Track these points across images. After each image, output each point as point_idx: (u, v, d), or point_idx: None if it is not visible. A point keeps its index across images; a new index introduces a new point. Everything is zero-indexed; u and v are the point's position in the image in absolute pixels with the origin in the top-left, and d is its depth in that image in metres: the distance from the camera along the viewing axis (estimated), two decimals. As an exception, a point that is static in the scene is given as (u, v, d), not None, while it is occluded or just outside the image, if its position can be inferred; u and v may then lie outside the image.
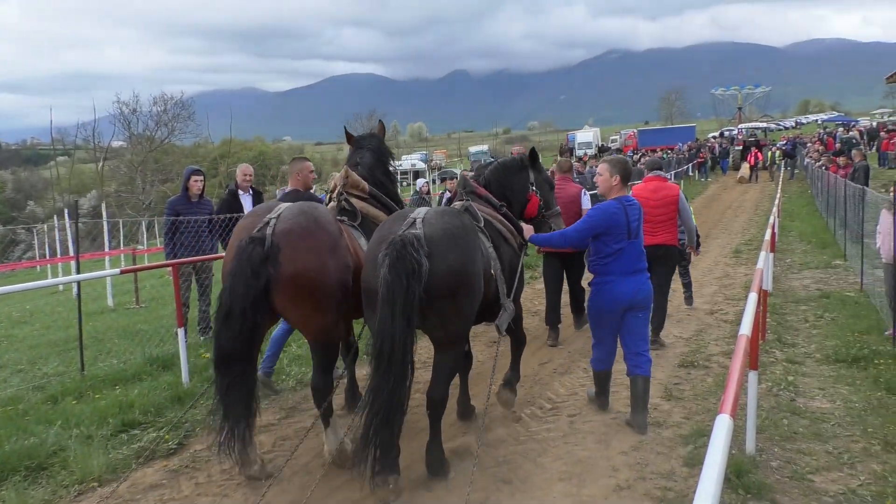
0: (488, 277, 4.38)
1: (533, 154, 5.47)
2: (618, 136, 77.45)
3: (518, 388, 5.45)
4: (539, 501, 4.01)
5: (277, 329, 5.99)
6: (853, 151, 17.67)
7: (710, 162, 38.19)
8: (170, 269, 6.95)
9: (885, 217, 7.16)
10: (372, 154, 5.36)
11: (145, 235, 24.62)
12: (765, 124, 56.09)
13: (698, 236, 7.79)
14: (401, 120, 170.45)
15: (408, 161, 71.99)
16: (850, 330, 7.31)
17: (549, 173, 5.90)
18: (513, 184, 5.26)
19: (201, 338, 7.96)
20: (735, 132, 51.35)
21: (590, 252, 5.12)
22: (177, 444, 5.06)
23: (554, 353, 7.15)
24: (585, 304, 6.43)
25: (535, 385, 6.11)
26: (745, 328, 3.62)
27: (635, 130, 77.04)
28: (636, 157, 34.42)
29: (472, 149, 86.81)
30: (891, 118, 59.54)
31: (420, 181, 15.38)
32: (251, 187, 8.81)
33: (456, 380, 4.93)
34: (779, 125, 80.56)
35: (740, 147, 40.93)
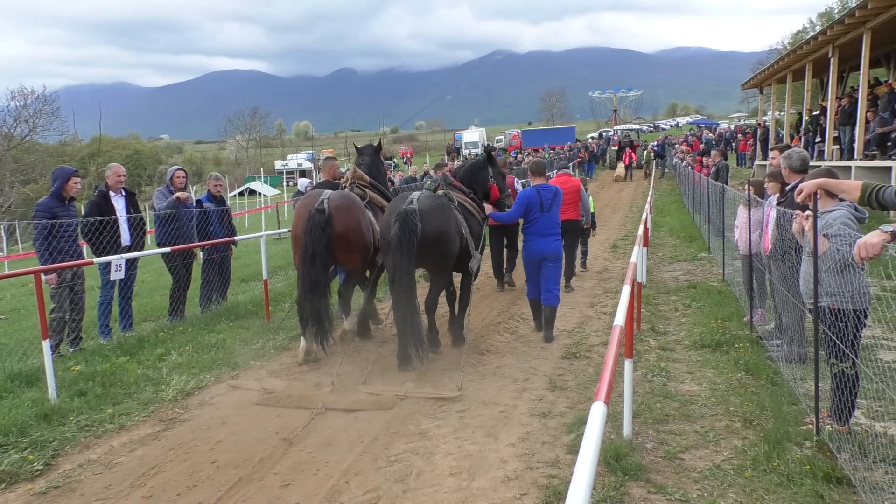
0: (460, 236, 6.71)
1: (490, 156, 7.81)
2: (503, 136, 79.39)
3: (405, 384, 6.11)
4: (430, 498, 4.05)
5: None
6: (713, 151, 19.03)
7: (587, 161, 39.88)
8: (50, 275, 6.39)
9: (742, 212, 7.77)
10: (369, 158, 8.04)
11: (5, 241, 22.63)
12: (638, 126, 59.46)
13: (593, 216, 11.47)
14: (286, 118, 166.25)
15: (294, 160, 70.32)
16: (713, 317, 7.89)
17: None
18: (478, 178, 7.59)
19: (70, 349, 7.43)
20: (611, 133, 54.07)
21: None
22: (43, 465, 4.69)
23: (445, 349, 7.24)
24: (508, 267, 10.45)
25: (425, 382, 6.16)
26: (620, 319, 3.83)
27: (519, 130, 79.29)
28: (521, 156, 35.47)
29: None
30: (747, 122, 64.65)
31: (303, 181, 14.94)
32: (123, 188, 8.31)
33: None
34: (650, 126, 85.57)
35: (616, 147, 43.16)
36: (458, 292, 7.30)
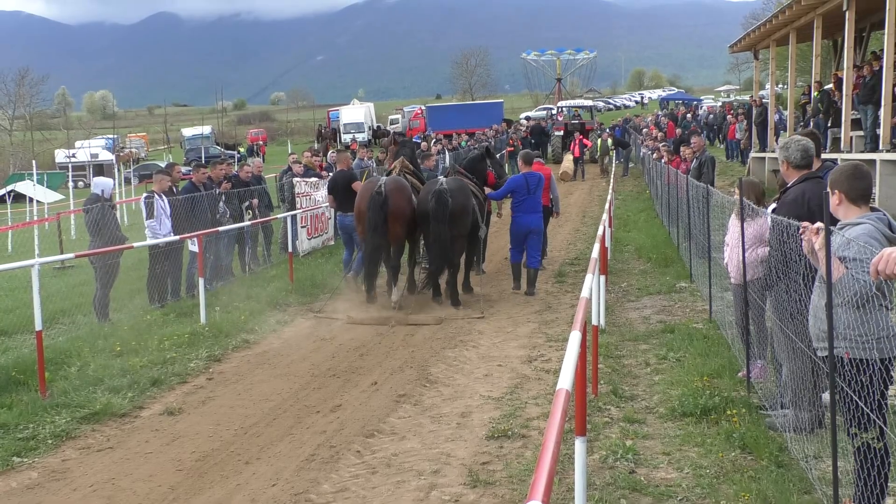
0: (471, 210, 12.89)
1: (488, 151, 15.39)
2: (399, 115, 80.00)
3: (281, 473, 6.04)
4: None
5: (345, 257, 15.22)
6: (693, 139, 19.77)
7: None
8: None
9: (734, 225, 8.02)
10: (409, 151, 14.85)
11: None
12: (591, 102, 61.12)
13: (557, 203, 16.99)
14: (73, 86, 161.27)
15: (85, 149, 67.81)
16: (698, 373, 8.17)
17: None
18: (479, 167, 14.27)
19: None
20: (555, 112, 55.29)
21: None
22: None
23: (315, 437, 7.18)
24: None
25: (292, 480, 6.07)
26: (566, 380, 3.87)
27: (423, 107, 80.00)
28: (427, 143, 35.69)
29: (187, 131, 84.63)
30: (738, 98, 67.70)
31: (102, 181, 13.73)
32: None
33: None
34: (607, 103, 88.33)
35: (561, 132, 44.09)
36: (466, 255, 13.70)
